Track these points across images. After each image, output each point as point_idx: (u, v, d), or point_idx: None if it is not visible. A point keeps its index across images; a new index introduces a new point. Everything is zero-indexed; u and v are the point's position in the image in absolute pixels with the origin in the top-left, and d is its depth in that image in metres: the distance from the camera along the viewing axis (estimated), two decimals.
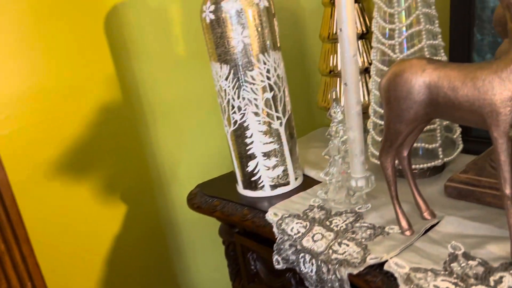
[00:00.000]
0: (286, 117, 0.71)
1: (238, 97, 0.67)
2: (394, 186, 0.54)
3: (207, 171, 0.92)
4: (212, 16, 0.64)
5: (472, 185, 0.58)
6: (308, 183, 0.74)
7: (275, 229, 0.62)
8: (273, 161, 0.71)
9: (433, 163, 0.66)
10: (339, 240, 0.55)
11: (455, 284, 0.43)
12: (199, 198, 0.75)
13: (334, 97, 0.61)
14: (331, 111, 0.62)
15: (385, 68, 0.66)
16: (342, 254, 0.53)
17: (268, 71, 0.67)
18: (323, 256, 0.54)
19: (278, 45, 0.69)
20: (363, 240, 0.55)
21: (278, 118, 0.69)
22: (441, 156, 0.66)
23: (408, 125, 0.49)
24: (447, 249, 0.49)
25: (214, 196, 0.74)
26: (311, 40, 1.04)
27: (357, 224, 0.58)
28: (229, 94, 0.68)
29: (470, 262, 0.46)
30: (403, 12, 0.63)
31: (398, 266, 0.48)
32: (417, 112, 0.48)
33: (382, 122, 0.67)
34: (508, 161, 0.42)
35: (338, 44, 0.59)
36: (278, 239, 0.61)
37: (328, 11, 0.84)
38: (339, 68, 0.82)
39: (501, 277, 0.43)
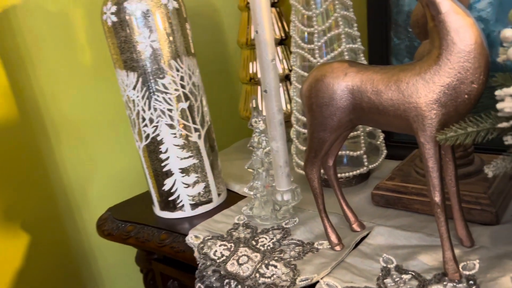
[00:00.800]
0: (205, 128, 0.65)
1: (149, 108, 0.60)
2: (321, 199, 0.51)
3: (122, 191, 0.83)
4: (114, 18, 0.57)
5: (399, 192, 0.56)
6: (232, 198, 0.68)
7: (196, 254, 0.56)
8: (192, 177, 0.64)
9: (358, 171, 0.63)
10: (266, 262, 0.50)
11: None
12: (110, 223, 0.66)
13: (254, 105, 0.57)
14: (252, 121, 0.57)
15: (305, 74, 0.63)
16: (270, 277, 0.48)
17: (182, 78, 0.61)
18: (250, 281, 0.49)
19: (193, 51, 0.63)
20: (292, 259, 0.50)
21: (196, 130, 0.64)
22: (366, 163, 0.64)
23: (332, 133, 0.46)
24: (379, 263, 0.46)
25: (127, 221, 0.66)
26: (232, 46, 1.00)
27: (285, 242, 0.54)
28: (138, 105, 0.60)
29: (404, 276, 0.43)
30: (321, 15, 0.60)
31: (330, 287, 0.44)
32: (341, 119, 0.44)
33: (306, 131, 0.64)
34: (436, 167, 0.40)
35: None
36: (200, 264, 0.55)
37: (245, 16, 0.80)
38: (259, 76, 0.78)
39: None
